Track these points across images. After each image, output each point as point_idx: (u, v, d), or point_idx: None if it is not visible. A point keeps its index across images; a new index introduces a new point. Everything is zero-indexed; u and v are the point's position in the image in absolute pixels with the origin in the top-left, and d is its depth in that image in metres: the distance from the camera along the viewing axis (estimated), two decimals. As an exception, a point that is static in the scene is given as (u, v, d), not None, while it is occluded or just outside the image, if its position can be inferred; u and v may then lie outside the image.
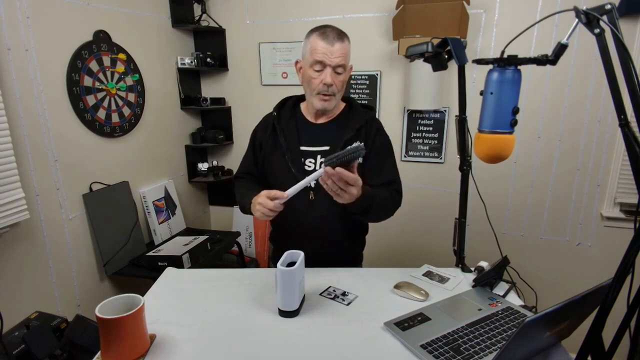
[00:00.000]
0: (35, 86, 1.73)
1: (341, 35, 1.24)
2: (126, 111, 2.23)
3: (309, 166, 1.32)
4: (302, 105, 1.41)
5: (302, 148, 1.33)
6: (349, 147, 1.02)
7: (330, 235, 1.35)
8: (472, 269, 1.30)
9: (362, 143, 1.03)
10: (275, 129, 1.35)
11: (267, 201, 1.14)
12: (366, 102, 2.57)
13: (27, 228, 1.72)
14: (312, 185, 1.31)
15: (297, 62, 1.33)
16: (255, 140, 1.42)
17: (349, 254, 1.43)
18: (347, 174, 1.04)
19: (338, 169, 1.03)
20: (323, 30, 1.23)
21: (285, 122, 1.36)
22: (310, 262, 1.16)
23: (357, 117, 1.34)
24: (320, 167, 1.08)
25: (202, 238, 2.31)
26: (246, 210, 1.29)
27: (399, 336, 0.96)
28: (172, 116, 2.67)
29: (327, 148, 1.31)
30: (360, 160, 1.10)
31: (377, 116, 2.57)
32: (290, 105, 1.40)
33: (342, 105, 1.39)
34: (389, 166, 1.35)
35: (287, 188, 1.33)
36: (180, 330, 1.00)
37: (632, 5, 1.98)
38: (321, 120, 1.36)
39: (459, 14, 2.15)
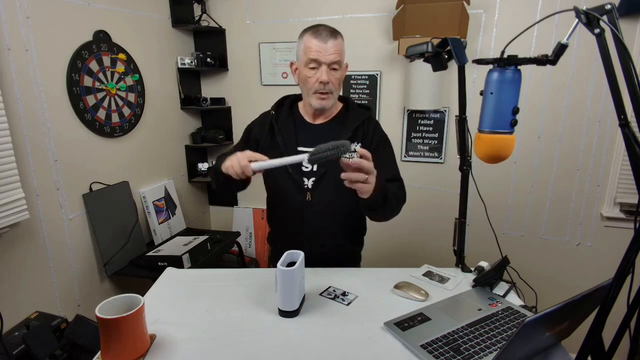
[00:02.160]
0: (35, 86, 1.73)
1: (334, 32, 1.24)
2: (126, 111, 2.24)
3: (306, 167, 1.32)
4: (300, 105, 1.40)
5: (300, 148, 1.32)
6: (335, 142, 0.99)
7: (328, 236, 1.35)
8: (472, 269, 1.30)
9: (349, 142, 1.02)
10: (273, 129, 1.34)
11: (243, 158, 1.07)
12: (366, 102, 2.57)
13: (27, 228, 1.72)
14: (310, 186, 1.31)
15: (291, 64, 1.33)
16: (250, 136, 1.40)
17: (347, 254, 1.42)
18: (366, 163, 1.02)
19: (355, 159, 1.01)
20: (315, 29, 1.23)
21: (283, 122, 1.35)
22: (308, 263, 1.16)
23: (354, 117, 1.33)
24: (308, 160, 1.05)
25: (202, 238, 2.31)
26: (217, 169, 1.19)
27: (399, 336, 0.96)
28: (172, 116, 2.67)
29: None
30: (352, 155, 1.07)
31: (377, 116, 2.58)
32: (288, 105, 1.39)
33: (340, 105, 1.39)
34: (390, 164, 1.35)
35: (283, 188, 1.33)
36: (180, 330, 1.00)
37: (632, 5, 1.98)
38: (319, 121, 1.36)
39: (459, 14, 2.15)
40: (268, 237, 1.51)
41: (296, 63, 1.30)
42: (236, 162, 1.07)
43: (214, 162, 1.33)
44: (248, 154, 1.10)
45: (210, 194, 3.12)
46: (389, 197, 1.19)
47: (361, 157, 1.02)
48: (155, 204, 2.47)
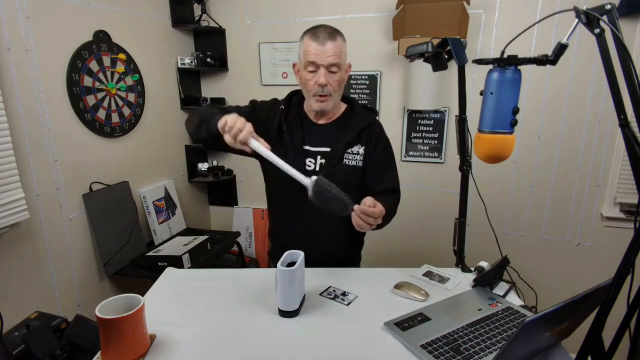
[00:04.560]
0: (35, 86, 1.73)
1: (333, 34, 1.22)
2: (126, 111, 2.23)
3: (309, 166, 1.32)
4: (305, 104, 1.40)
5: (306, 147, 1.32)
6: (343, 197, 1.05)
7: (328, 235, 1.35)
8: (472, 269, 1.30)
9: (353, 206, 1.06)
10: (282, 125, 1.33)
11: (248, 131, 1.02)
12: (366, 102, 2.57)
13: (27, 228, 1.72)
14: None
15: (294, 65, 1.32)
16: (255, 113, 1.34)
17: (346, 253, 1.43)
18: (372, 211, 1.07)
19: (363, 207, 1.07)
20: (314, 31, 1.22)
21: (291, 119, 1.35)
22: (307, 262, 1.16)
23: (358, 119, 1.33)
24: (313, 176, 1.10)
25: (202, 238, 2.31)
26: (209, 120, 1.13)
27: (399, 336, 0.96)
28: (172, 116, 2.67)
29: (327, 149, 1.31)
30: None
31: (377, 116, 2.58)
32: (297, 102, 1.39)
33: (344, 106, 1.38)
34: (392, 173, 1.36)
35: (284, 186, 1.33)
36: (180, 330, 1.00)
37: (632, 5, 1.98)
38: (322, 121, 1.35)
39: (459, 14, 2.15)
40: (269, 232, 1.51)
41: (298, 65, 1.30)
42: (238, 129, 1.01)
43: (205, 107, 1.23)
44: (251, 129, 1.04)
45: (210, 194, 3.12)
46: (387, 216, 1.21)
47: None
48: (155, 204, 2.47)
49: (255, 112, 1.36)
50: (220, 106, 1.29)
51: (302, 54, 1.24)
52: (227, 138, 1.05)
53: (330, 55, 1.20)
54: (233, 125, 1.03)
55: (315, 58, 1.20)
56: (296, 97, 1.40)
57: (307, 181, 1.08)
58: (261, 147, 1.06)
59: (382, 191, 1.31)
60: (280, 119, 1.33)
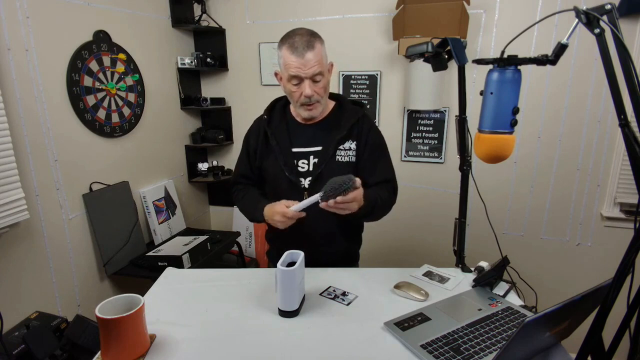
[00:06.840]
0: (35, 86, 1.73)
1: (311, 42, 1.19)
2: (126, 111, 2.23)
3: (302, 167, 1.32)
4: (291, 107, 1.39)
5: (294, 150, 1.32)
6: (340, 180, 1.08)
7: (326, 234, 1.35)
8: (472, 269, 1.30)
9: (352, 175, 1.09)
10: (267, 133, 1.34)
11: (287, 217, 1.19)
12: (366, 102, 2.57)
13: (27, 228, 1.72)
14: (307, 186, 1.31)
15: (276, 74, 1.30)
16: (249, 146, 1.41)
17: (345, 252, 1.43)
18: (346, 198, 1.10)
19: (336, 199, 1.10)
20: (291, 42, 1.19)
21: (276, 125, 1.35)
22: (306, 261, 1.16)
23: (348, 115, 1.33)
24: (319, 192, 1.15)
25: (202, 238, 2.31)
26: (259, 220, 1.33)
27: (399, 336, 0.96)
28: (172, 116, 2.67)
29: (319, 148, 1.31)
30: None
31: (377, 116, 2.58)
32: (280, 107, 1.39)
33: (332, 104, 1.38)
34: (384, 164, 1.36)
35: (280, 188, 1.34)
36: (180, 330, 1.00)
37: (632, 5, 1.98)
38: (311, 121, 1.35)
39: (459, 14, 2.15)
40: (266, 234, 1.51)
41: (280, 73, 1.28)
42: (285, 220, 1.21)
43: (245, 209, 1.42)
44: (281, 210, 1.20)
45: (210, 194, 3.12)
46: (375, 208, 1.24)
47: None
48: (155, 204, 2.47)
49: (249, 145, 1.42)
50: (247, 199, 1.42)
51: (283, 66, 1.22)
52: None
53: (313, 66, 1.18)
54: (282, 225, 1.23)
55: (297, 72, 1.19)
56: (280, 103, 1.40)
57: (317, 197, 1.13)
58: (298, 207, 1.19)
59: (376, 183, 1.31)
60: (265, 128, 1.34)
